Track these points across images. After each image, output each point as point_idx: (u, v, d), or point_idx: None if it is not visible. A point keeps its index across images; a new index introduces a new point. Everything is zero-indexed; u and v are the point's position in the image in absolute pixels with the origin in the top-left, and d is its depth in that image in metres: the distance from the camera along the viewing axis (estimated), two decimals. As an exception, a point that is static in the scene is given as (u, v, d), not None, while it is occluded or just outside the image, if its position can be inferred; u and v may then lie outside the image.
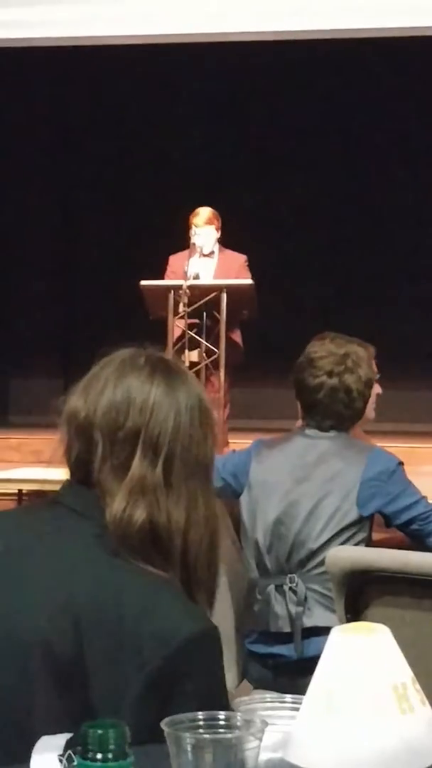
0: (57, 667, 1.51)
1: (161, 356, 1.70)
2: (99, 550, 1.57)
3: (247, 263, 7.44)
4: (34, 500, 5.98)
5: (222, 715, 1.27)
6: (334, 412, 3.33)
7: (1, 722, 1.52)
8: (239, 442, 5.77)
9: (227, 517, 3.46)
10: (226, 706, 1.45)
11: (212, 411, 1.74)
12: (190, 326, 7.10)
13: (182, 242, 7.43)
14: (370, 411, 3.52)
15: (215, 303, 7.00)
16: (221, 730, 1.25)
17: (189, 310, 6.97)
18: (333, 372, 3.32)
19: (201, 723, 1.26)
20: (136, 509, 1.58)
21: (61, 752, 1.33)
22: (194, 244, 7.29)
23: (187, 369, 1.76)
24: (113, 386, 1.64)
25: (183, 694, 1.48)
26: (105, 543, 1.57)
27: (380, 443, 3.75)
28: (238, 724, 1.26)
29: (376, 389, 3.62)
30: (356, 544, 3.18)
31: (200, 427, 1.66)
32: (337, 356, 3.35)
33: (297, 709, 1.31)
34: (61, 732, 1.37)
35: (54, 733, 1.38)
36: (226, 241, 7.51)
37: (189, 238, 7.32)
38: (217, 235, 7.42)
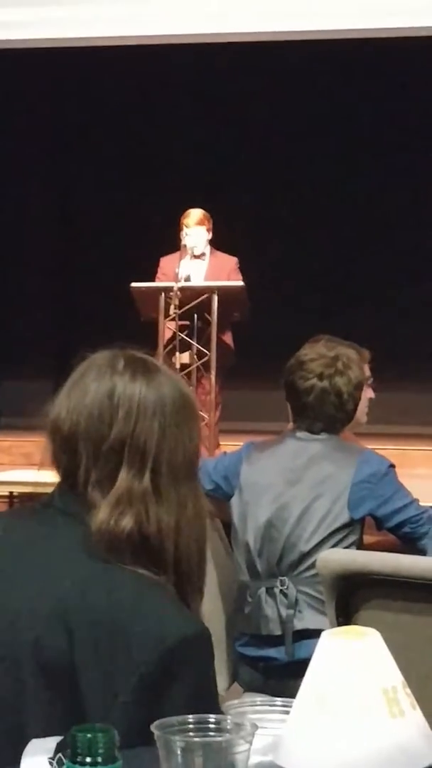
0: (47, 669, 1.51)
1: (139, 356, 1.69)
2: (90, 553, 1.57)
3: (238, 266, 7.44)
4: (25, 503, 5.98)
5: (212, 718, 1.27)
6: (324, 415, 3.33)
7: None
8: (230, 445, 5.77)
9: (217, 520, 3.46)
10: (216, 708, 1.45)
11: (195, 402, 1.73)
12: (181, 328, 7.10)
13: (175, 244, 7.43)
14: (361, 415, 3.52)
15: (206, 305, 7.00)
16: (211, 734, 1.25)
17: (180, 312, 6.97)
18: (323, 374, 3.32)
19: (191, 726, 1.26)
20: (122, 519, 1.57)
21: (51, 755, 1.33)
22: (185, 245, 7.30)
23: (164, 365, 1.74)
24: (95, 393, 1.63)
25: (174, 696, 1.48)
26: (96, 548, 1.57)
27: (372, 445, 3.76)
28: (229, 727, 1.26)
29: (369, 393, 3.62)
30: (347, 547, 3.18)
31: (186, 424, 1.65)
32: (328, 358, 3.35)
33: (287, 713, 1.31)
34: (52, 734, 1.36)
35: (45, 735, 1.38)
36: (220, 242, 7.51)
37: (180, 240, 7.32)
38: (208, 236, 7.42)
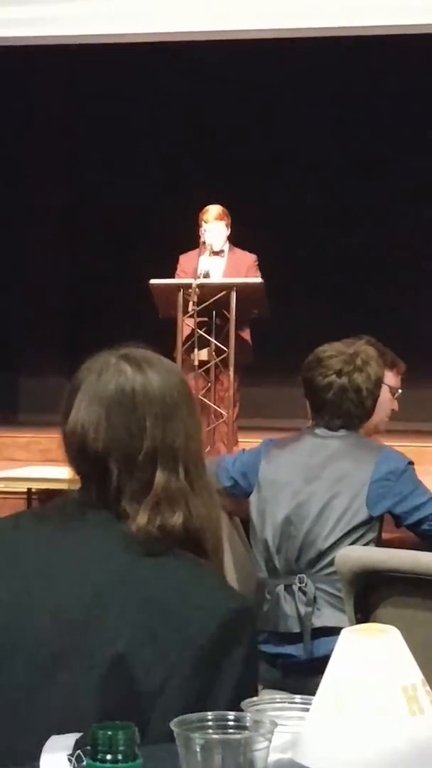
0: (95, 657, 1.51)
1: (136, 355, 1.68)
2: (129, 549, 1.58)
3: (257, 263, 7.43)
4: (43, 500, 5.98)
5: (231, 715, 1.27)
6: (343, 412, 3.33)
7: (39, 717, 1.51)
8: (249, 441, 5.76)
9: (236, 518, 3.46)
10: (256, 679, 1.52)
11: (189, 386, 1.76)
12: (200, 325, 7.09)
13: (194, 242, 7.43)
14: (380, 422, 3.53)
15: (225, 302, 7.00)
16: (231, 731, 1.25)
17: (198, 308, 6.97)
18: (342, 371, 3.31)
19: (210, 723, 1.26)
20: (169, 518, 1.59)
21: (70, 752, 1.33)
22: (204, 242, 7.29)
23: (157, 355, 1.73)
24: (118, 409, 1.62)
25: (228, 669, 1.50)
26: (136, 545, 1.58)
27: (390, 442, 3.75)
28: (248, 724, 1.26)
29: (393, 405, 3.62)
30: (366, 544, 3.17)
31: (194, 410, 1.69)
32: (346, 355, 3.34)
33: (306, 710, 1.31)
34: (107, 719, 1.36)
35: (99, 721, 1.38)
36: (238, 240, 7.51)
37: (199, 237, 7.32)
38: (227, 232, 7.42)
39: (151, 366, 1.66)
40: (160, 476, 1.60)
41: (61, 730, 1.39)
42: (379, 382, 3.38)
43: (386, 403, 3.56)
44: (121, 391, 1.63)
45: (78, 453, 1.65)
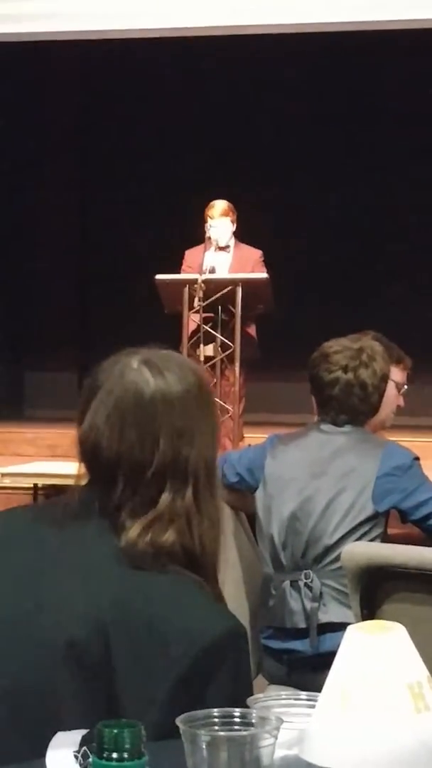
0: (83, 667, 1.50)
1: (156, 361, 1.65)
2: (122, 561, 1.56)
3: (262, 258, 7.43)
4: (50, 495, 5.98)
5: (237, 712, 1.27)
6: (349, 407, 3.33)
7: (27, 721, 1.51)
8: (254, 437, 5.77)
9: (242, 513, 3.46)
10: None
11: (213, 395, 1.73)
12: (206, 320, 7.09)
13: (200, 238, 7.43)
14: (387, 417, 3.53)
15: (230, 297, 6.99)
16: (236, 727, 1.25)
17: (204, 304, 6.97)
18: (348, 367, 3.32)
19: (216, 720, 1.26)
20: (161, 536, 1.56)
21: (76, 749, 1.33)
22: (209, 237, 7.29)
23: (181, 357, 1.72)
24: (133, 419, 1.59)
25: (210, 697, 1.46)
26: (128, 559, 1.56)
27: (396, 438, 3.75)
28: (254, 721, 1.27)
29: (399, 401, 3.62)
30: (372, 540, 3.17)
31: (211, 424, 1.65)
32: (352, 351, 3.35)
33: (312, 707, 1.31)
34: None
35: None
36: (244, 235, 7.50)
37: (205, 233, 7.32)
38: (233, 228, 7.42)
39: (172, 372, 1.63)
40: (165, 496, 1.58)
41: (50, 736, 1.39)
42: (385, 378, 3.38)
43: (392, 398, 3.56)
44: (140, 399, 1.60)
45: (90, 456, 1.63)
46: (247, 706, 1.31)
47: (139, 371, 1.63)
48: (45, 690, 1.51)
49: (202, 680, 1.48)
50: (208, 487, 1.62)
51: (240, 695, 1.48)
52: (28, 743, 1.43)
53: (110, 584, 1.54)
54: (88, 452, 1.63)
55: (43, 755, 1.40)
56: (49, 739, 1.39)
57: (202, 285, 6.91)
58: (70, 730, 1.39)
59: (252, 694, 1.55)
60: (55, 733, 1.40)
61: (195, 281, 6.96)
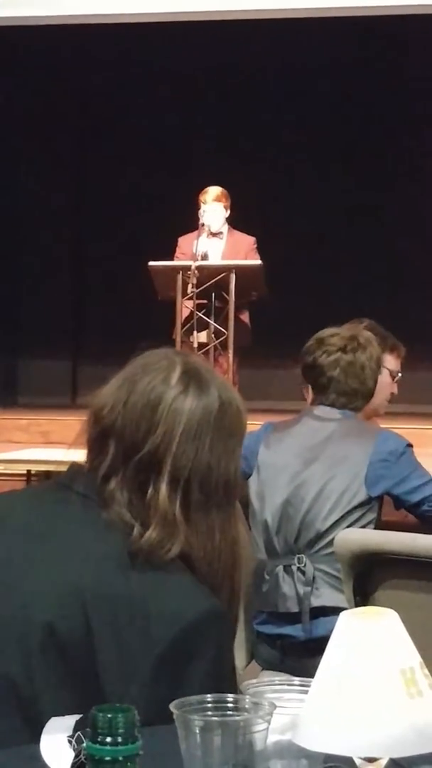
0: (64, 649, 1.51)
1: (196, 366, 1.67)
2: (109, 536, 1.57)
3: (256, 245, 7.43)
4: (43, 482, 5.98)
5: (230, 697, 1.28)
6: (349, 389, 3.33)
7: (8, 704, 1.52)
8: (248, 424, 5.76)
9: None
10: (234, 688, 1.45)
11: (244, 418, 1.71)
12: (199, 307, 7.10)
13: (193, 224, 7.42)
14: (381, 404, 3.54)
15: (224, 284, 7.00)
16: (230, 713, 1.26)
17: (197, 290, 6.97)
18: (347, 347, 3.33)
19: (209, 705, 1.26)
20: (167, 543, 1.56)
21: (70, 733, 1.33)
22: (202, 223, 7.29)
23: (219, 375, 1.73)
24: (140, 400, 1.61)
25: (191, 676, 1.48)
26: (118, 536, 1.57)
27: (390, 425, 3.76)
28: (247, 706, 1.27)
29: (393, 388, 3.64)
30: (365, 526, 3.18)
31: (227, 444, 1.64)
32: (346, 336, 3.37)
33: (305, 692, 1.31)
34: (69, 714, 1.37)
35: (61, 715, 1.39)
36: (237, 221, 7.50)
37: (198, 219, 7.31)
38: (226, 213, 7.41)
39: (200, 390, 1.64)
40: (151, 488, 1.58)
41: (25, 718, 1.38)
42: (379, 362, 3.40)
43: (386, 386, 3.56)
44: (155, 399, 1.62)
45: (92, 420, 1.65)
46: (229, 686, 1.31)
47: (170, 381, 1.64)
48: (27, 671, 1.51)
49: (183, 660, 1.49)
50: (203, 504, 1.60)
51: (221, 675, 1.49)
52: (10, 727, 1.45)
53: (92, 564, 1.55)
54: (93, 416, 1.65)
55: (24, 739, 1.41)
56: (29, 723, 1.40)
57: (196, 271, 6.91)
58: (49, 712, 1.40)
59: (234, 674, 1.57)
60: (36, 716, 1.41)
61: (188, 268, 6.96)
